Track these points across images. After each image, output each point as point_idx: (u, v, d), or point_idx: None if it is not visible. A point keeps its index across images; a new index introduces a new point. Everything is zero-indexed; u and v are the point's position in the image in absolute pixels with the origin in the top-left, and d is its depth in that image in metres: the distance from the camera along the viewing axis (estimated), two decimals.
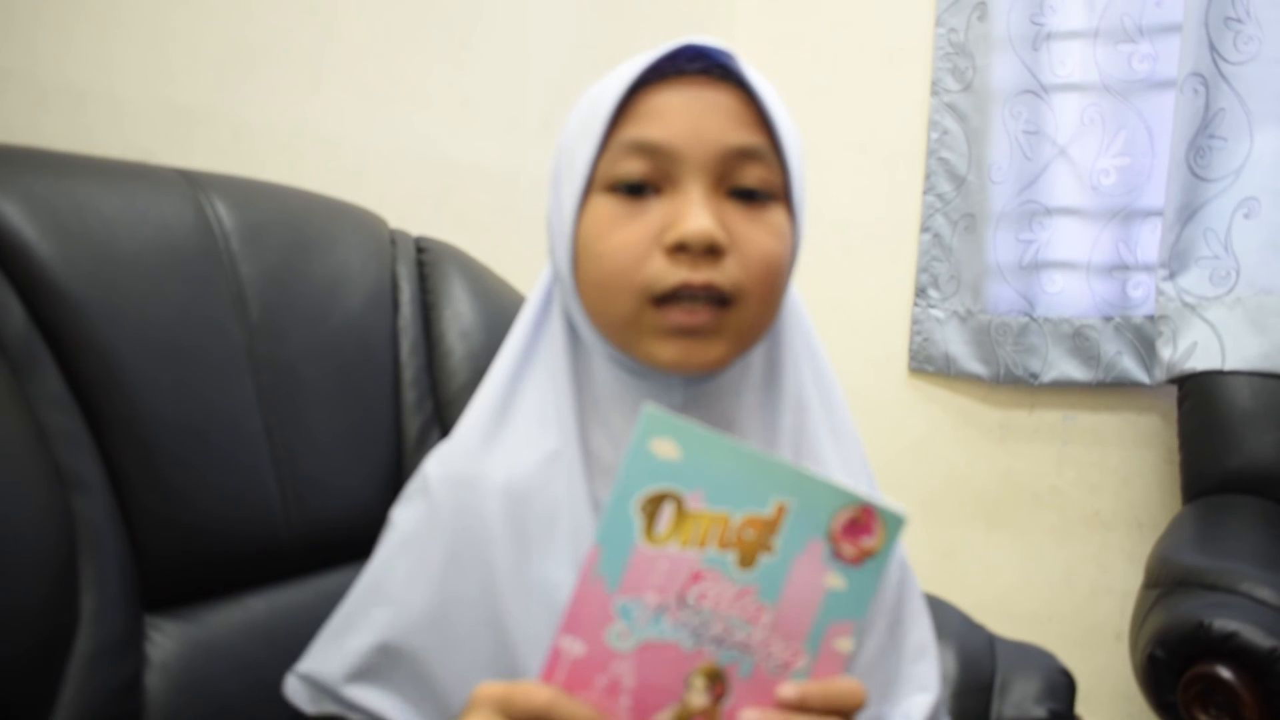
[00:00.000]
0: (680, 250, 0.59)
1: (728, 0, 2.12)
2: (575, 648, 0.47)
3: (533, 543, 0.63)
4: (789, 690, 0.48)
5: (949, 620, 1.08)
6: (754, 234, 0.61)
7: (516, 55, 1.49)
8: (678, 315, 0.59)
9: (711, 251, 0.59)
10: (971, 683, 1.00)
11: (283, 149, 1.12)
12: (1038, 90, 1.83)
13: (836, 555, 0.47)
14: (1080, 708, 1.07)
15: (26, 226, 0.71)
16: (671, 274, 0.59)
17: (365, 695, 0.65)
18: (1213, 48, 1.62)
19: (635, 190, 0.61)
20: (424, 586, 0.64)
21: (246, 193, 0.90)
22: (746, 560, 0.47)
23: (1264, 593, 1.13)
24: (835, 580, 0.47)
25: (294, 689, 0.69)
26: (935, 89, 1.95)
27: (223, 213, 0.85)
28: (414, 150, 1.31)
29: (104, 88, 0.93)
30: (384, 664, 0.65)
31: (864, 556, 0.47)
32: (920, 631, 0.71)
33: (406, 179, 1.30)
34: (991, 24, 1.86)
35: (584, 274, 0.62)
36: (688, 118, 0.60)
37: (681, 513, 0.46)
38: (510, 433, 0.67)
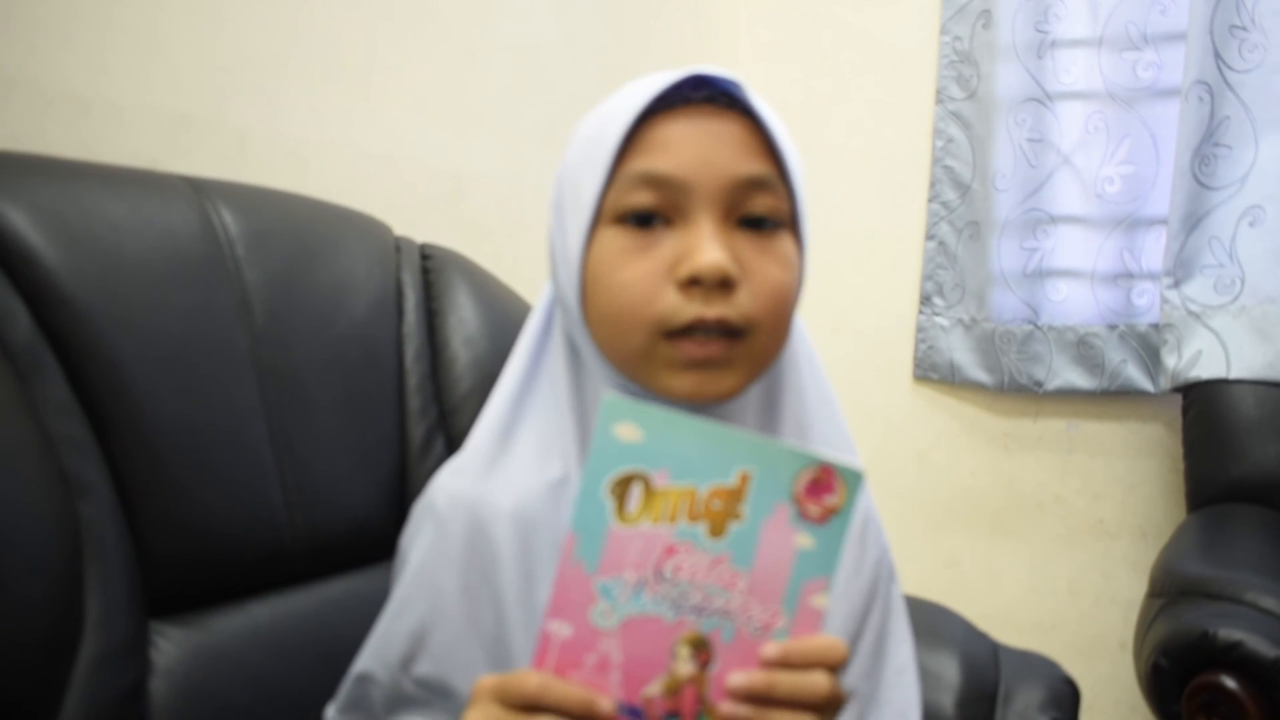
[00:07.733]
0: (693, 284, 0.58)
1: (732, 11, 2.12)
2: (563, 630, 0.49)
3: (539, 571, 0.64)
4: (771, 649, 0.49)
5: (953, 629, 1.07)
6: (764, 265, 0.61)
7: (521, 64, 1.50)
8: (691, 348, 0.59)
9: (724, 284, 0.59)
10: (975, 691, 1.00)
11: (288, 156, 1.12)
12: (1042, 98, 1.83)
13: (803, 516, 0.48)
14: (1084, 717, 1.06)
15: (33, 233, 0.71)
16: (685, 309, 0.59)
17: None
18: (1218, 55, 1.62)
19: (644, 220, 0.60)
20: (443, 620, 0.64)
21: (251, 200, 0.90)
22: (716, 530, 0.48)
23: (1269, 602, 1.13)
24: (804, 540, 0.48)
25: None
26: (940, 97, 1.96)
27: (228, 220, 0.85)
28: (419, 158, 1.31)
29: (108, 96, 0.93)
30: (422, 694, 0.65)
31: (829, 514, 0.48)
32: (902, 653, 0.71)
33: (411, 186, 1.30)
34: (996, 32, 1.86)
35: (594, 306, 0.62)
36: (696, 148, 0.60)
37: (650, 491, 0.48)
38: (515, 459, 0.67)
